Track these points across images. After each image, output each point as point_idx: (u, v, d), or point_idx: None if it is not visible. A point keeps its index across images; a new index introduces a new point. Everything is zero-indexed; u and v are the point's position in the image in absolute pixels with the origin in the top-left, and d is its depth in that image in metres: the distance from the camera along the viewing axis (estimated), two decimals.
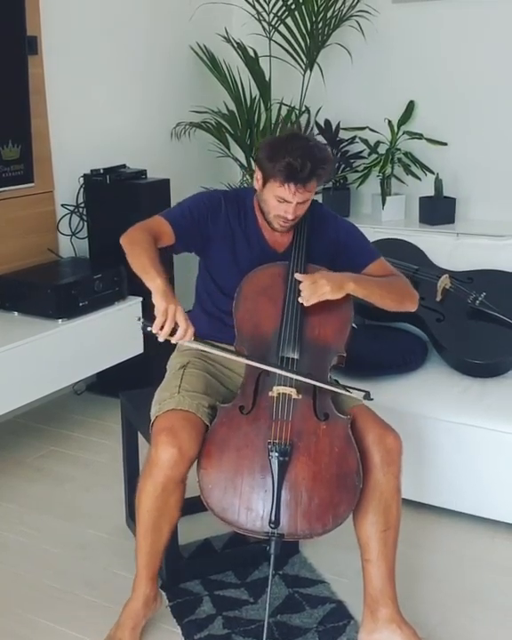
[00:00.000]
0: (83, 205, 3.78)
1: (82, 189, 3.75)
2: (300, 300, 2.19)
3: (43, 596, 2.45)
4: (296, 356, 2.19)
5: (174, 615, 2.34)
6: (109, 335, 3.40)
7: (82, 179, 3.74)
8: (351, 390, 2.23)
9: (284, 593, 2.43)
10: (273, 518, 2.01)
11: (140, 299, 3.46)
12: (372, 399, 2.21)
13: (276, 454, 2.03)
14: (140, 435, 2.56)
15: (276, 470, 2.02)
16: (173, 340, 2.04)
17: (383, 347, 3.05)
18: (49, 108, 3.59)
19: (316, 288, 2.18)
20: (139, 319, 2.07)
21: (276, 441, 2.05)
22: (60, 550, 2.69)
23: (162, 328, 2.01)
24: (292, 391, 2.12)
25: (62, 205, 3.74)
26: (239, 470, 2.06)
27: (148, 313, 3.46)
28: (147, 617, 2.26)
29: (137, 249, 2.17)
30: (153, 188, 3.72)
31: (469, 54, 4.20)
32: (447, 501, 2.81)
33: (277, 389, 2.13)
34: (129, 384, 2.70)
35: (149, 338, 2.05)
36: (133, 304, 3.46)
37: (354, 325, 3.20)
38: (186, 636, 2.27)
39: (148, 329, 2.02)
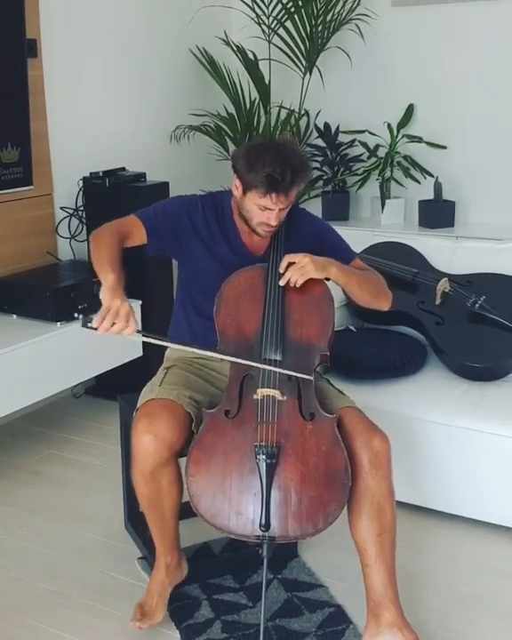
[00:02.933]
0: (82, 208, 3.77)
1: (81, 192, 3.75)
2: (281, 282, 2.21)
3: (41, 599, 2.44)
4: (279, 357, 2.19)
5: (173, 619, 2.33)
6: (108, 338, 3.37)
7: (81, 181, 3.73)
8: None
9: (283, 597, 2.42)
10: (263, 521, 2.00)
11: (140, 302, 3.46)
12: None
13: (263, 457, 2.03)
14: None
15: (264, 473, 2.02)
16: (113, 333, 2.04)
17: (382, 350, 3.04)
18: (48, 111, 3.59)
19: (301, 265, 2.20)
20: (77, 316, 2.09)
21: (263, 443, 2.05)
22: (59, 554, 2.68)
23: (102, 323, 2.03)
24: (276, 393, 2.12)
25: (61, 208, 3.74)
26: (227, 475, 2.05)
27: (147, 316, 3.50)
28: (172, 584, 2.34)
29: (100, 246, 2.24)
30: (152, 191, 3.71)
31: (468, 57, 4.20)
32: (446, 505, 2.80)
33: (261, 391, 2.13)
34: (127, 387, 2.68)
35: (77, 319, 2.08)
36: (132, 307, 3.45)
37: (353, 329, 3.22)
38: (184, 639, 2.26)
39: (89, 325, 2.03)
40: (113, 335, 2.05)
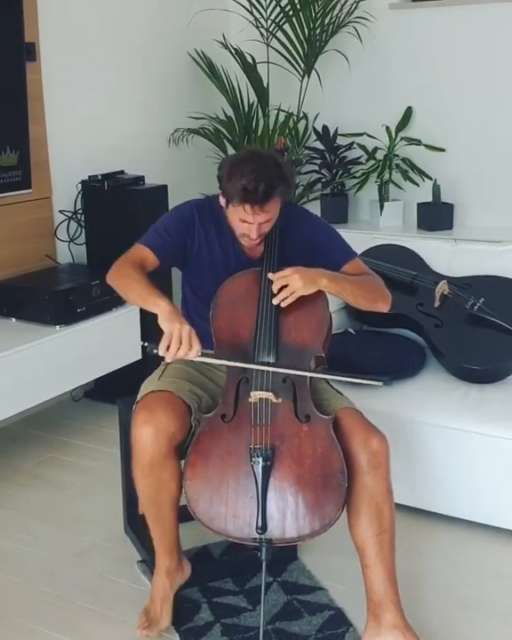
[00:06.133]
0: (81, 211, 3.78)
1: (80, 195, 3.75)
2: (274, 301, 2.20)
3: (40, 603, 2.44)
4: (272, 360, 2.19)
5: (173, 622, 2.32)
6: (107, 341, 3.39)
7: (80, 185, 3.74)
8: (366, 379, 2.22)
9: (283, 600, 2.42)
10: (260, 524, 2.01)
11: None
12: (391, 384, 2.20)
13: (259, 459, 2.03)
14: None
15: (260, 475, 2.03)
16: (179, 357, 2.08)
17: (381, 353, 3.05)
18: (47, 114, 3.60)
19: (289, 283, 2.18)
20: (143, 344, 2.12)
21: (258, 446, 2.06)
22: (58, 557, 2.68)
23: (168, 349, 2.05)
24: (270, 395, 2.13)
25: (60, 211, 3.74)
26: (224, 478, 2.06)
27: (146, 320, 3.50)
28: (174, 587, 2.31)
29: (128, 281, 2.23)
30: (151, 194, 3.72)
31: (466, 60, 4.21)
32: (445, 507, 2.80)
33: (256, 394, 2.13)
34: (126, 390, 2.68)
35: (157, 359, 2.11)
36: (131, 310, 3.46)
37: (351, 331, 3.22)
38: None
39: (155, 352, 2.07)
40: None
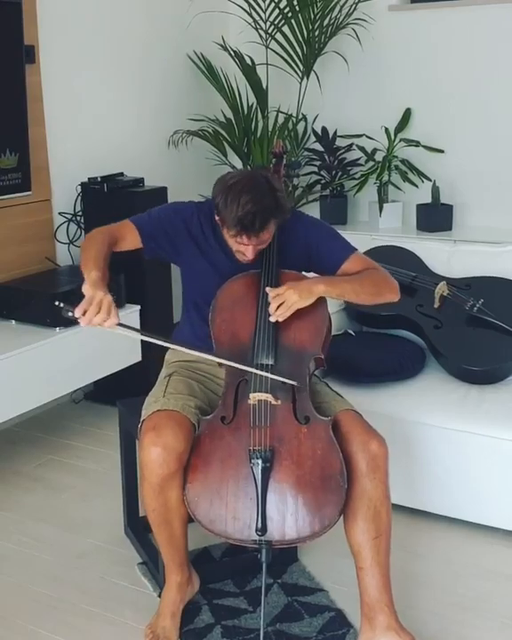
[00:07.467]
0: (80, 213, 3.78)
1: (79, 197, 3.76)
2: (271, 319, 2.18)
3: (41, 605, 2.44)
4: (271, 362, 2.18)
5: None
6: (107, 343, 3.38)
7: (79, 187, 3.74)
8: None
9: (283, 601, 2.42)
10: (259, 525, 2.01)
11: (139, 307, 3.46)
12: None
13: (258, 461, 2.04)
14: (137, 443, 2.56)
15: (259, 477, 2.03)
16: (94, 324, 2.03)
17: (381, 354, 3.05)
18: (46, 117, 3.60)
19: (285, 300, 2.16)
20: (58, 303, 2.05)
21: (257, 447, 2.06)
22: (59, 559, 2.68)
23: (85, 314, 2.01)
24: (269, 397, 2.12)
25: (60, 213, 3.74)
26: (224, 480, 2.06)
27: (146, 321, 3.51)
28: (184, 601, 2.31)
29: (89, 247, 2.26)
30: (150, 196, 3.72)
31: (465, 61, 4.21)
32: (445, 508, 2.80)
33: (255, 396, 2.13)
34: (126, 392, 2.69)
35: (72, 322, 2.06)
36: (131, 312, 3.46)
37: (351, 333, 3.23)
38: None
39: (69, 314, 2.02)
40: (93, 328, 2.05)
